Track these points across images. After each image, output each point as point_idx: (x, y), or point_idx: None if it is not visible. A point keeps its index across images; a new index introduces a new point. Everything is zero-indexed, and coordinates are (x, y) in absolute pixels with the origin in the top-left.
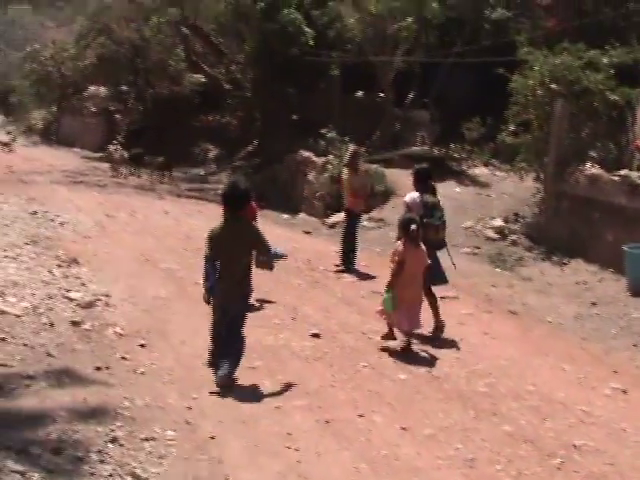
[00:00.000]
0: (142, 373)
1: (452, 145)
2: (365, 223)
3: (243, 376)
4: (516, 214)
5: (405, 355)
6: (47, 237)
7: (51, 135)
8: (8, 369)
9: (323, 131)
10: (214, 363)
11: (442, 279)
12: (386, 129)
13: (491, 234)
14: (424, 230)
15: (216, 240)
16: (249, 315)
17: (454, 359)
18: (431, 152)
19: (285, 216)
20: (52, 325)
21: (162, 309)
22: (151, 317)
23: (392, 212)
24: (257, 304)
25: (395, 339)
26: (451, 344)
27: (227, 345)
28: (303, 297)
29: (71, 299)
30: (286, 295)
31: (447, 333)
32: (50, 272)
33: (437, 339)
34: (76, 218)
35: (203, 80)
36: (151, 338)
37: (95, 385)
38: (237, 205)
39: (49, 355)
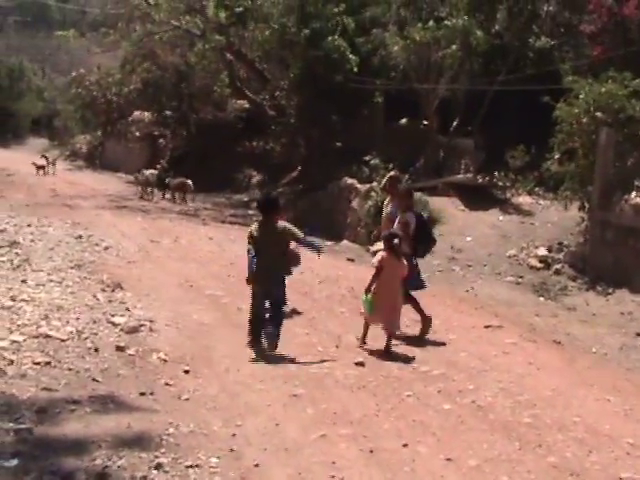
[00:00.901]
0: (186, 399)
1: (496, 173)
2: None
3: (287, 403)
4: (560, 243)
5: (387, 355)
6: (91, 261)
7: (95, 159)
8: (53, 393)
9: (366, 158)
10: (254, 340)
11: (421, 285)
12: (430, 157)
13: (535, 263)
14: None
15: (254, 238)
16: (293, 343)
17: (498, 389)
18: (475, 180)
19: (328, 243)
20: (96, 350)
21: (206, 335)
22: (195, 343)
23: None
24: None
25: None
26: (495, 374)
27: (273, 319)
28: (347, 325)
29: (115, 324)
30: (329, 323)
31: (491, 362)
32: (94, 296)
33: (423, 337)
34: (120, 243)
35: (247, 106)
36: (195, 364)
37: (139, 411)
38: (268, 209)
39: (94, 380)
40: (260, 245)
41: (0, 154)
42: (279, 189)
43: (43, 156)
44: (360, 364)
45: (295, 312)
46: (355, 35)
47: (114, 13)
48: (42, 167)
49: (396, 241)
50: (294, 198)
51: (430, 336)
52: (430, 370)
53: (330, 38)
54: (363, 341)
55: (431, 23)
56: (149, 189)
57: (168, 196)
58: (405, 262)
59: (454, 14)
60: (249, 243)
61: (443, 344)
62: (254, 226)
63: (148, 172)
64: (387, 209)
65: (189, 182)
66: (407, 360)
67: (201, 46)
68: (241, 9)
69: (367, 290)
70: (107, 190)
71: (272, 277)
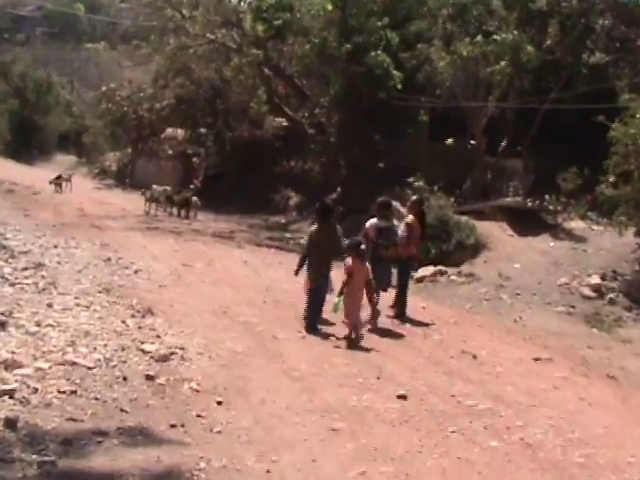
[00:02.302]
0: (218, 432)
1: (547, 196)
2: (454, 278)
3: (325, 438)
4: (614, 271)
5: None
6: (120, 285)
7: (125, 178)
8: (79, 424)
9: (410, 180)
10: (311, 326)
11: (388, 284)
12: (477, 179)
13: (587, 292)
14: (376, 248)
15: (313, 239)
16: (331, 374)
17: (548, 426)
18: (524, 204)
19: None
20: (125, 379)
21: (240, 365)
22: (229, 373)
23: (483, 267)
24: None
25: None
26: (545, 409)
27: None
28: (387, 355)
29: (145, 351)
30: (369, 353)
31: (540, 397)
32: (123, 322)
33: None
34: (151, 266)
35: (285, 124)
36: (228, 395)
37: (169, 444)
38: (326, 215)
39: (122, 410)
40: (319, 246)
41: (25, 171)
42: None
43: (59, 177)
44: (402, 397)
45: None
46: (399, 50)
47: (146, 25)
48: (59, 185)
49: (363, 247)
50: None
51: (476, 369)
52: (476, 404)
53: (373, 53)
54: (350, 334)
55: (479, 38)
56: (153, 205)
57: (175, 212)
58: (369, 265)
59: (503, 28)
60: (308, 242)
61: (490, 377)
62: (313, 229)
63: (156, 188)
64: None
65: (194, 198)
66: (450, 393)
67: (237, 60)
68: (280, 22)
69: (340, 293)
70: (137, 210)
71: (323, 274)
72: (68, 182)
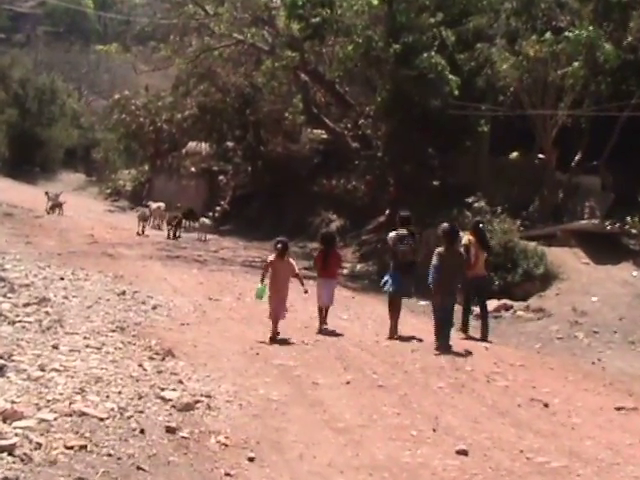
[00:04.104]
0: None
1: (628, 218)
2: (521, 313)
3: None
4: None
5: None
6: (137, 323)
7: (141, 199)
8: None
9: (469, 200)
10: (444, 347)
11: (407, 294)
12: (547, 198)
13: None
14: (396, 254)
15: (442, 259)
16: (380, 425)
17: None
18: (602, 227)
19: (422, 302)
20: (142, 431)
21: (275, 415)
22: (262, 424)
23: (555, 301)
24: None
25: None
26: (630, 468)
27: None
28: (445, 404)
29: (166, 400)
30: (424, 401)
31: (624, 454)
32: (140, 366)
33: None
34: (172, 301)
35: (324, 136)
36: (262, 450)
37: None
38: (453, 238)
39: (139, 468)
40: (447, 267)
41: (26, 192)
42: (364, 237)
43: (46, 193)
44: (463, 452)
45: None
46: (455, 51)
47: (165, 24)
48: (58, 205)
49: (279, 245)
50: (381, 248)
51: (548, 420)
52: (548, 462)
53: (425, 54)
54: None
55: (548, 35)
56: (142, 224)
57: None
58: (291, 261)
59: (576, 24)
60: (437, 261)
61: (564, 429)
62: (442, 250)
63: (151, 205)
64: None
65: (203, 219)
66: (518, 447)
67: (270, 64)
68: (318, 20)
69: (261, 280)
70: (156, 236)
71: (451, 290)
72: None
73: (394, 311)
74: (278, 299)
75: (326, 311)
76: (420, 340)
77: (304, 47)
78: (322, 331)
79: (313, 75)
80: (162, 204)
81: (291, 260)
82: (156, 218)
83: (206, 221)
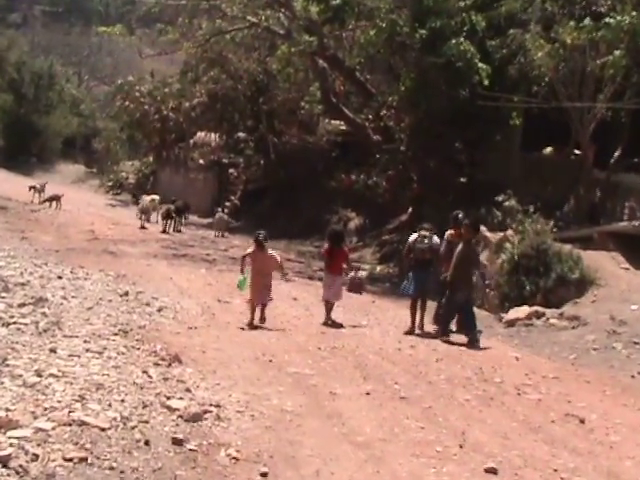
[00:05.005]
0: None
1: None
2: (554, 321)
3: None
4: None
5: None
6: (141, 327)
7: (145, 193)
8: None
9: (499, 198)
10: (445, 330)
11: (426, 293)
12: (583, 197)
13: None
14: (416, 252)
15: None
16: (402, 440)
17: None
18: None
19: None
20: (147, 443)
21: (290, 427)
22: (275, 437)
23: (591, 308)
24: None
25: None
26: None
27: (467, 321)
28: (473, 418)
29: (172, 409)
30: (450, 414)
31: None
32: (145, 372)
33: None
34: (178, 303)
35: (343, 128)
36: (275, 465)
37: None
38: (474, 231)
39: None
40: (459, 260)
41: (21, 184)
42: (384, 236)
43: (31, 188)
44: (492, 471)
45: (403, 398)
46: (486, 37)
47: (173, 4)
48: (56, 199)
49: (260, 237)
50: (403, 249)
51: (584, 437)
52: None
53: (454, 41)
54: (252, 321)
55: (587, 21)
56: (144, 217)
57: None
58: (271, 253)
59: (618, 8)
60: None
61: (602, 448)
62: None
63: (145, 199)
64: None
65: (220, 215)
66: (552, 466)
67: (285, 49)
68: (338, 1)
69: (241, 271)
70: (162, 234)
71: (468, 286)
72: (41, 192)
73: (414, 312)
74: (257, 289)
75: (330, 306)
76: (450, 342)
77: (323, 31)
78: (327, 324)
79: (332, 61)
80: (156, 196)
81: (273, 252)
82: (149, 211)
83: (224, 216)
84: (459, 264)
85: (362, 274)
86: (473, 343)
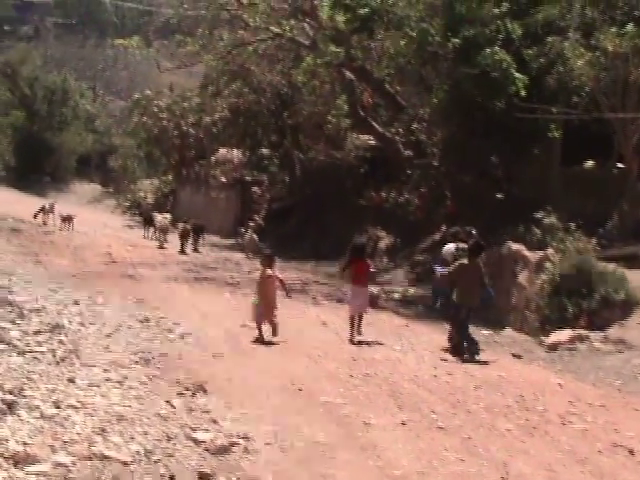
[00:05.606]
0: None
1: None
2: (599, 345)
3: None
4: None
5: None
6: (163, 354)
7: (164, 212)
8: None
9: (538, 215)
10: (460, 350)
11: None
12: (627, 213)
13: None
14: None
15: (462, 270)
16: (441, 473)
17: None
18: None
19: (485, 332)
20: (172, 478)
21: (322, 459)
22: (307, 470)
23: (638, 331)
24: None
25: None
26: None
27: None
28: (515, 449)
29: (198, 441)
30: (491, 445)
31: None
32: (168, 403)
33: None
34: (202, 329)
35: (372, 143)
36: None
37: None
38: (477, 253)
39: None
40: (465, 277)
41: (34, 204)
42: (417, 256)
43: (41, 209)
44: None
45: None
46: (523, 45)
47: (193, 15)
48: (69, 219)
49: (267, 253)
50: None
51: (634, 469)
52: None
53: (488, 50)
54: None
55: (630, 27)
56: (163, 237)
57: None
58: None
59: None
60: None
61: None
62: (464, 262)
63: (158, 217)
64: None
65: (249, 235)
66: None
67: (311, 61)
68: (367, 10)
69: (257, 295)
70: (182, 255)
71: (474, 301)
72: (50, 213)
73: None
74: (270, 307)
75: (359, 320)
76: (485, 362)
77: (350, 41)
78: (352, 342)
79: (360, 73)
80: (167, 215)
81: (270, 271)
82: (168, 230)
83: (254, 236)
84: (462, 280)
85: (374, 290)
86: (472, 357)
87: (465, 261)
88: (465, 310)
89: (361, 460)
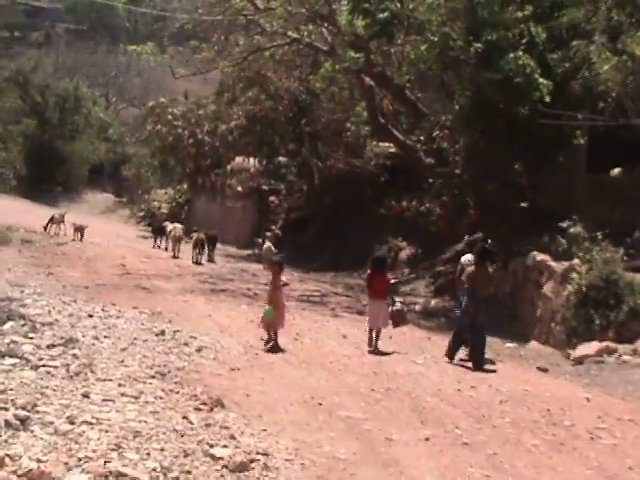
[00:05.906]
0: None
1: None
2: (628, 358)
3: None
4: None
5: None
6: (179, 368)
7: (179, 223)
8: None
9: (564, 224)
10: (452, 355)
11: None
12: None
13: None
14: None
15: (473, 277)
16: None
17: None
18: None
19: (509, 345)
20: None
21: (343, 476)
22: None
23: None
24: None
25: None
26: None
27: (475, 345)
28: (542, 465)
29: (216, 458)
30: (517, 461)
31: None
32: (185, 418)
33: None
34: (219, 342)
35: (393, 150)
36: None
37: None
38: (485, 258)
39: None
40: (474, 284)
41: (46, 215)
42: (439, 267)
43: (50, 219)
44: None
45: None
46: (547, 50)
47: (208, 20)
48: (80, 230)
49: (276, 259)
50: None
51: None
52: None
53: (512, 55)
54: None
55: None
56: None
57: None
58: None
59: None
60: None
61: None
62: (472, 269)
63: (169, 226)
64: None
65: (267, 245)
66: None
67: (329, 66)
68: (386, 15)
69: (270, 302)
70: (198, 266)
71: (480, 309)
72: (60, 223)
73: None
74: (282, 314)
75: (377, 334)
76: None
77: (369, 47)
78: (371, 352)
79: (379, 79)
80: (179, 225)
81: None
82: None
83: (271, 247)
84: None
85: (398, 305)
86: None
87: (472, 268)
88: (482, 317)
89: (383, 477)
